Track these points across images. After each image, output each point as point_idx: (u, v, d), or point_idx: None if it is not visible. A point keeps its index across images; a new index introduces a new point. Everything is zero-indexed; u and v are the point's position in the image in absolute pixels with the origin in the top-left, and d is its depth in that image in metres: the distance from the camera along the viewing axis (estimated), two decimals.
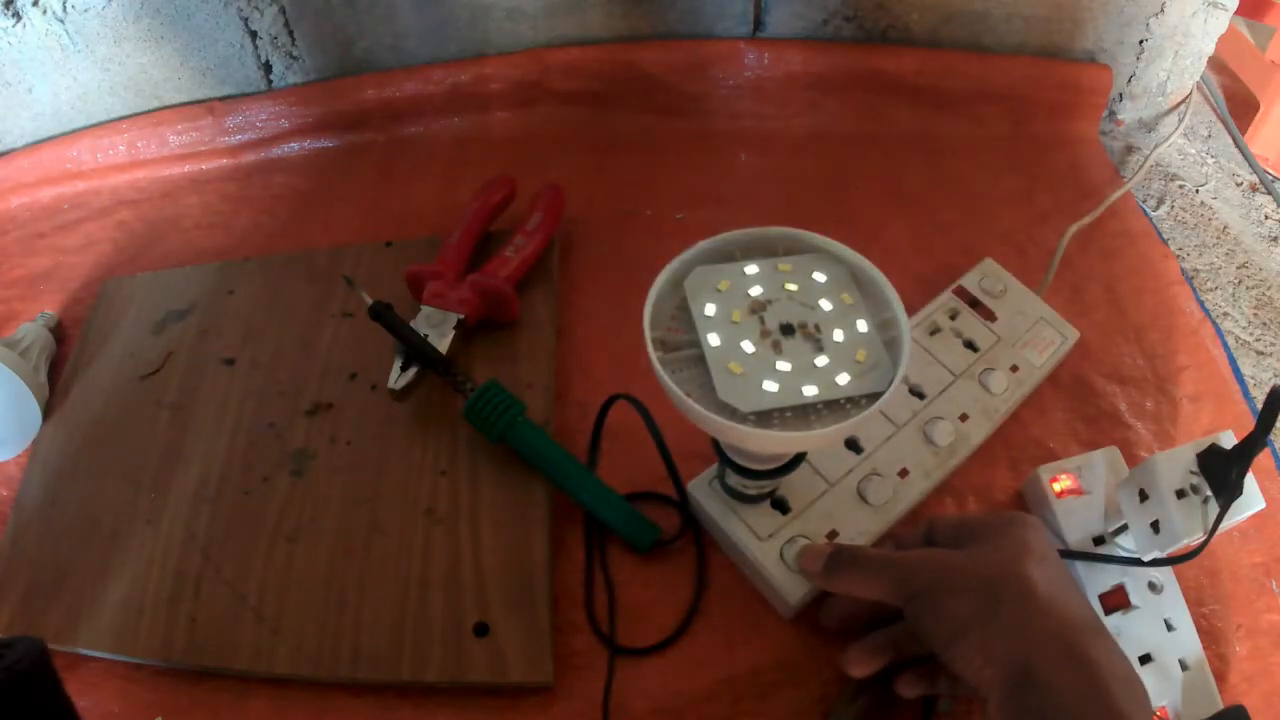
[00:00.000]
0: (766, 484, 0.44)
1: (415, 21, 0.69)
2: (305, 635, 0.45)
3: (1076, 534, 0.45)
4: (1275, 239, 0.67)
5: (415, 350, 0.52)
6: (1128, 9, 0.65)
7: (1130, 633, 0.42)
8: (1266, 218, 0.68)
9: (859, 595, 0.39)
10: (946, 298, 0.55)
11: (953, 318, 0.54)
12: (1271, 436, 0.44)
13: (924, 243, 0.62)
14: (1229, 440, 0.40)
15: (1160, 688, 0.41)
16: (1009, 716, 0.32)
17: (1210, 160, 0.72)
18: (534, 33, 0.70)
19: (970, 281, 0.55)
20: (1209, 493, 0.39)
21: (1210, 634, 0.44)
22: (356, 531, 0.48)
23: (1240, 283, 0.64)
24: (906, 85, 0.69)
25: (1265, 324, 0.62)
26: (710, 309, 0.37)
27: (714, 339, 0.36)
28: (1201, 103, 0.77)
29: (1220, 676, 0.43)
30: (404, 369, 0.52)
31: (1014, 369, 0.52)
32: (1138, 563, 0.42)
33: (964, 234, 0.62)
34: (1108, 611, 0.42)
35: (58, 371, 0.60)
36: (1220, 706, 0.41)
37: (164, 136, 0.72)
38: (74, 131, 0.72)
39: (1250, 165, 0.72)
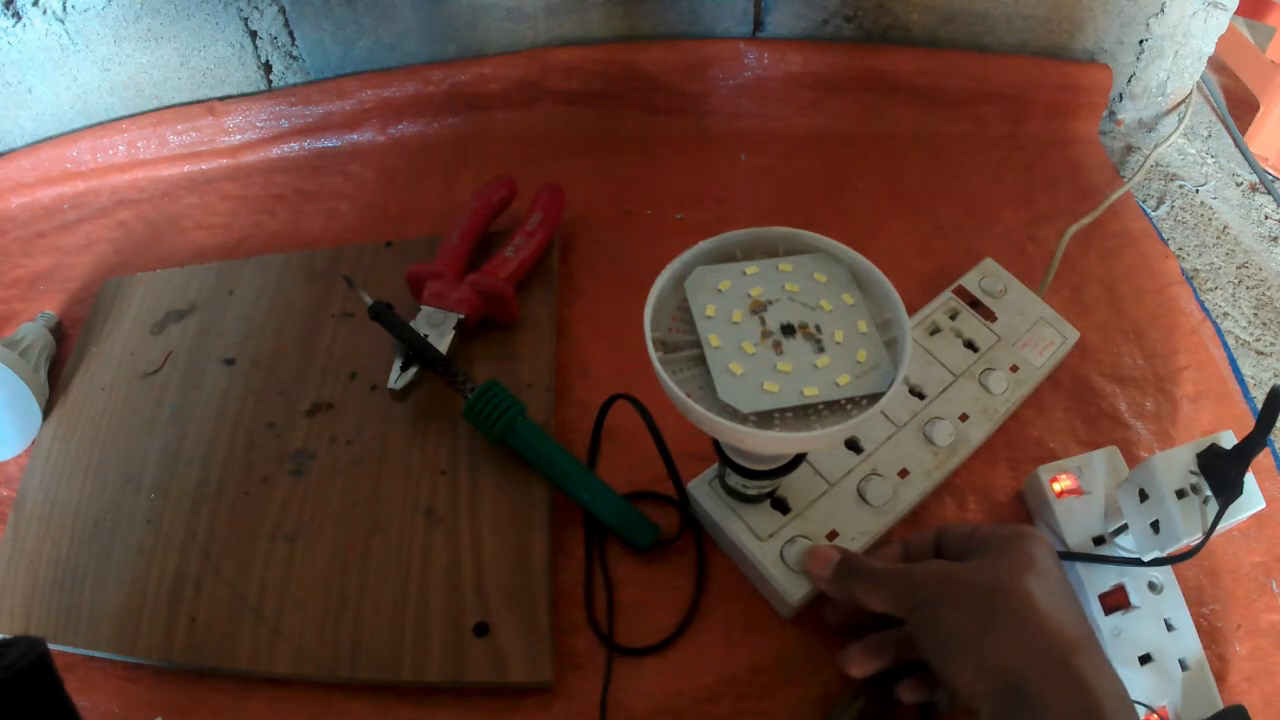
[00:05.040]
0: (766, 484, 0.44)
1: (415, 21, 0.69)
2: (305, 635, 0.45)
3: (1076, 534, 0.45)
4: (1275, 239, 0.67)
5: (415, 350, 0.52)
6: (1128, 9, 0.65)
7: (1130, 633, 0.42)
8: (1266, 218, 0.68)
9: (865, 606, 0.39)
10: (946, 298, 0.55)
11: (953, 318, 0.54)
12: (1271, 436, 0.44)
13: (924, 243, 0.62)
14: (1229, 440, 0.40)
15: (1160, 688, 0.41)
16: None
17: (1210, 160, 0.72)
18: (534, 33, 0.70)
19: (970, 281, 0.55)
20: (1209, 493, 0.39)
21: (1210, 634, 0.44)
22: (356, 531, 0.48)
23: (1240, 283, 0.64)
24: (906, 85, 0.69)
25: (1265, 324, 0.62)
26: (711, 309, 0.37)
27: (714, 339, 0.36)
28: (1201, 103, 0.77)
29: (1220, 676, 0.43)
30: (404, 369, 0.52)
31: (1014, 369, 0.52)
32: (1138, 563, 0.42)
33: (964, 234, 0.62)
34: (1108, 611, 0.42)
35: (58, 371, 0.60)
36: (1220, 706, 0.41)
37: (164, 136, 0.72)
38: (74, 131, 0.72)
39: (1250, 165, 0.72)
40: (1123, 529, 0.44)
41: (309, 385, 0.55)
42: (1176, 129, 0.72)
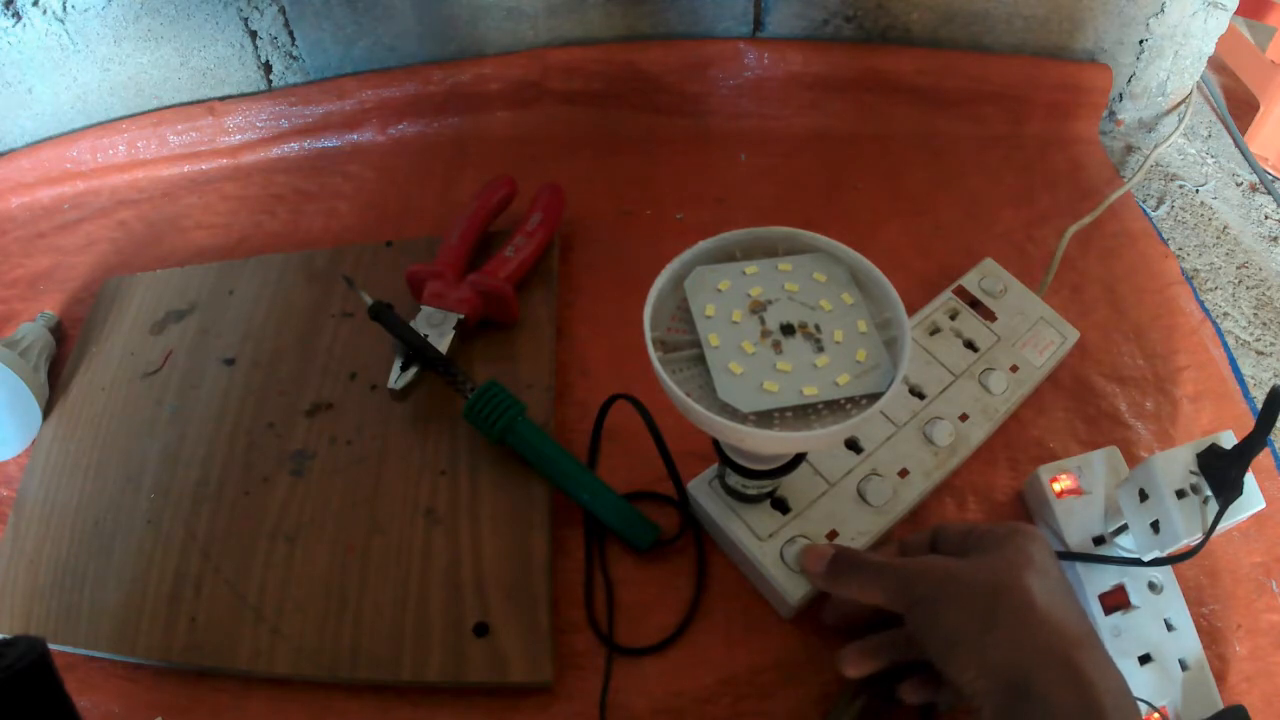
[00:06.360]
0: (766, 484, 0.44)
1: (415, 21, 0.69)
2: (305, 635, 0.45)
3: (1076, 534, 0.45)
4: (1275, 239, 0.67)
5: (415, 350, 0.52)
6: (1128, 9, 0.65)
7: (1130, 633, 0.42)
8: (1266, 218, 0.68)
9: (860, 600, 0.39)
10: (946, 298, 0.55)
11: (953, 318, 0.54)
12: (1271, 436, 0.44)
13: (924, 243, 0.62)
14: (1229, 440, 0.40)
15: (1160, 688, 0.41)
16: None
17: (1210, 160, 0.72)
18: (534, 33, 0.70)
19: (970, 281, 0.55)
20: (1209, 493, 0.39)
21: (1210, 634, 0.44)
22: (356, 531, 0.48)
23: (1240, 283, 0.64)
24: (906, 85, 0.69)
25: (1265, 324, 0.62)
26: (710, 309, 0.37)
27: (714, 339, 0.36)
28: (1201, 103, 0.77)
29: (1220, 676, 0.43)
30: (404, 369, 0.52)
31: (1014, 369, 0.52)
32: (1138, 563, 0.42)
33: (964, 234, 0.62)
34: (1108, 611, 0.42)
35: (58, 371, 0.60)
36: (1220, 706, 0.41)
37: (164, 136, 0.72)
38: (74, 131, 0.72)
39: (1250, 165, 0.72)
40: (1123, 529, 0.44)
41: (309, 385, 0.55)
42: (1176, 129, 0.72)
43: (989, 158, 0.68)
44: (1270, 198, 0.70)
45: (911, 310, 0.54)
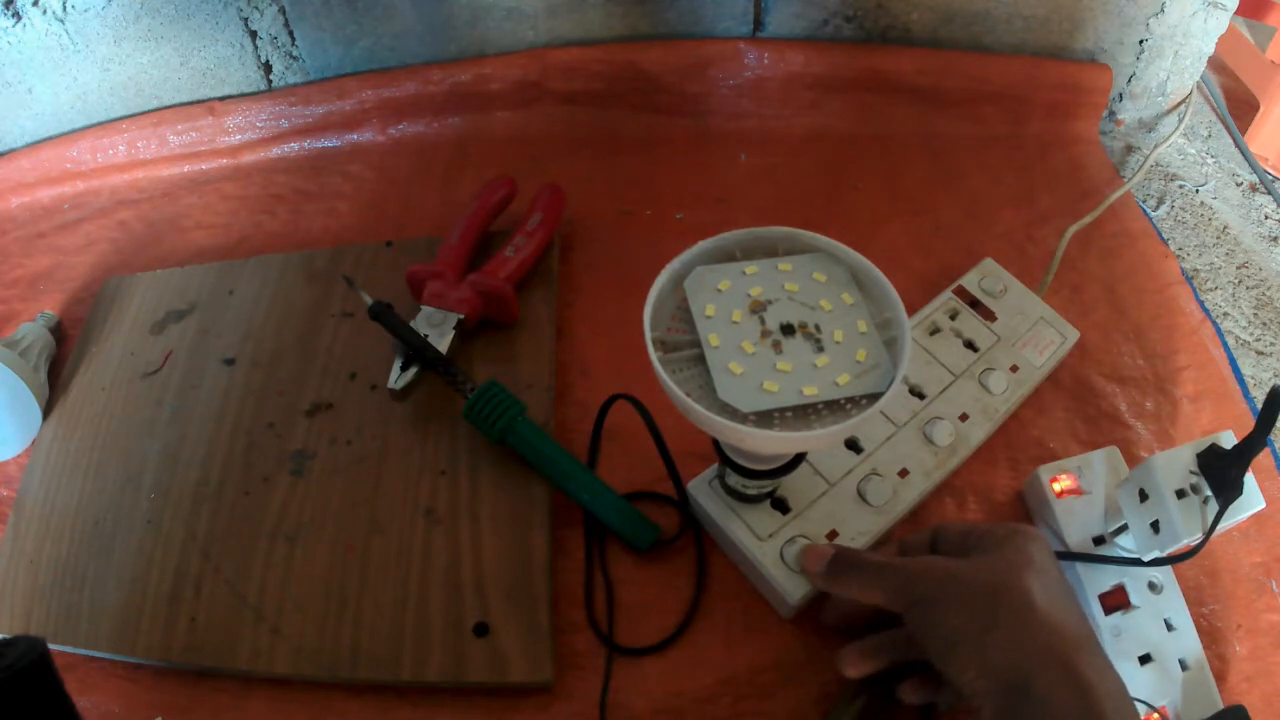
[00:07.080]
0: (766, 484, 0.44)
1: (415, 21, 0.69)
2: (305, 635, 0.45)
3: (1076, 534, 0.45)
4: (1275, 239, 0.67)
5: (415, 350, 0.52)
6: (1128, 9, 0.65)
7: (1130, 633, 0.42)
8: (1266, 218, 0.68)
9: (860, 600, 0.39)
10: (946, 298, 0.55)
11: (953, 318, 0.54)
12: (1271, 436, 0.44)
13: (924, 243, 0.62)
14: (1229, 440, 0.40)
15: (1160, 688, 0.41)
16: None
17: (1210, 160, 0.72)
18: (534, 33, 0.70)
19: (970, 281, 0.55)
20: (1209, 493, 0.39)
21: (1210, 634, 0.44)
22: (356, 531, 0.48)
23: (1240, 283, 0.64)
24: (906, 85, 0.69)
25: (1265, 324, 0.62)
26: (710, 309, 0.37)
27: (714, 339, 0.36)
28: (1201, 103, 0.77)
29: (1220, 676, 0.43)
30: (404, 369, 0.52)
31: (1014, 369, 0.52)
32: (1138, 563, 0.42)
33: (964, 234, 0.62)
34: (1108, 611, 0.42)
35: (58, 371, 0.60)
36: (1220, 706, 0.41)
37: (164, 136, 0.72)
38: (74, 131, 0.72)
39: (1250, 165, 0.72)
40: (1123, 529, 0.44)
41: (309, 385, 0.55)
42: (1176, 129, 0.72)
43: (989, 158, 0.68)
44: (1270, 198, 0.70)
45: (911, 310, 0.54)
